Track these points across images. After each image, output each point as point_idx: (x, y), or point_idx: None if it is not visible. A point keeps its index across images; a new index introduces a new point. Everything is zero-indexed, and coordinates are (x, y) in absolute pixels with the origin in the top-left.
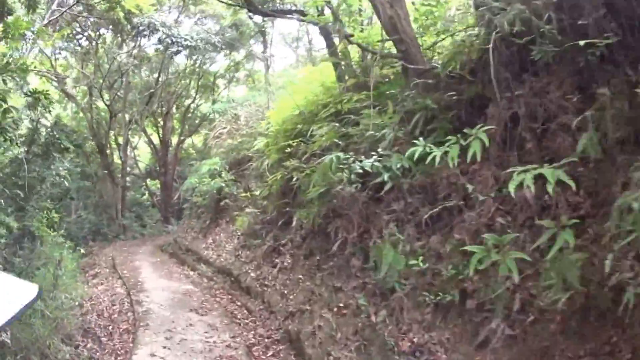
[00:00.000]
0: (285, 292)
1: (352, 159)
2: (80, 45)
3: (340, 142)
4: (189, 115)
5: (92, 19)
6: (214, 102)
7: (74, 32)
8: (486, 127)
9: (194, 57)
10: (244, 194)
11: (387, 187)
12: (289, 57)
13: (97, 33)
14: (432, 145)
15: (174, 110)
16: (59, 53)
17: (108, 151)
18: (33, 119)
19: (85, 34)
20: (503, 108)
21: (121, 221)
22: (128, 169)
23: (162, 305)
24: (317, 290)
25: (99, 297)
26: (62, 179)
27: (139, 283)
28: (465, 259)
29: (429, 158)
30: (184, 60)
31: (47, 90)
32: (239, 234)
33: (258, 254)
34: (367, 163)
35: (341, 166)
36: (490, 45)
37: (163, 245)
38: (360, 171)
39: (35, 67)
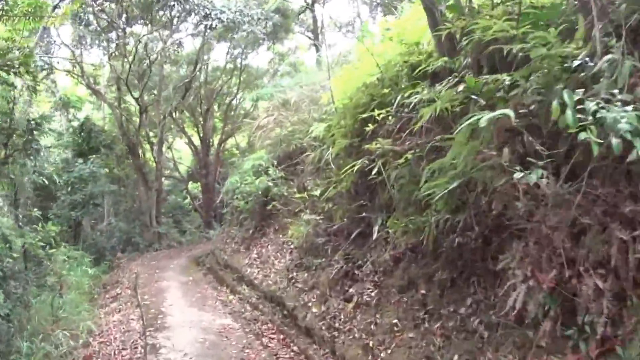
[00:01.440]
0: (371, 343)
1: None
2: (109, 39)
3: (479, 98)
4: (231, 113)
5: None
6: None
7: (100, 26)
8: None
9: (234, 51)
10: (298, 196)
11: None
12: (338, 44)
13: (124, 20)
14: None
15: (215, 108)
16: (88, 49)
17: (140, 151)
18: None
19: (115, 24)
20: None
21: (156, 228)
22: (167, 171)
23: (187, 355)
24: (436, 354)
25: (110, 331)
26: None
27: (161, 315)
28: None
29: None
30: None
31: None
32: (292, 247)
33: (322, 279)
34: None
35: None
36: None
37: (200, 256)
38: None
39: (56, 61)
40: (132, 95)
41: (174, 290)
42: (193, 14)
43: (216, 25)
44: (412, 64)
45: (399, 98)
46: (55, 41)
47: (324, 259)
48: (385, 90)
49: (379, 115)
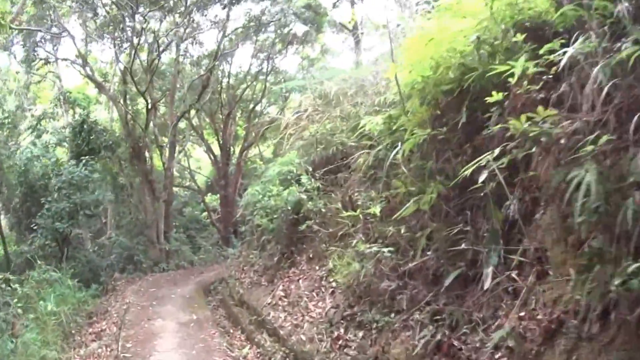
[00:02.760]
0: None
1: None
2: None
3: None
4: (255, 120)
5: None
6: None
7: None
8: None
9: (260, 54)
10: (345, 214)
11: None
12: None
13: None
14: None
15: (238, 115)
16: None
17: (147, 156)
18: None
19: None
20: None
21: (163, 245)
22: (184, 181)
23: None
24: None
25: None
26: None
27: None
28: None
29: None
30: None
31: None
32: (334, 285)
33: (396, 350)
34: None
35: None
36: None
37: (212, 282)
38: None
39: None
40: (137, 89)
41: (169, 336)
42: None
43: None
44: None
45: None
46: (61, 32)
47: (394, 315)
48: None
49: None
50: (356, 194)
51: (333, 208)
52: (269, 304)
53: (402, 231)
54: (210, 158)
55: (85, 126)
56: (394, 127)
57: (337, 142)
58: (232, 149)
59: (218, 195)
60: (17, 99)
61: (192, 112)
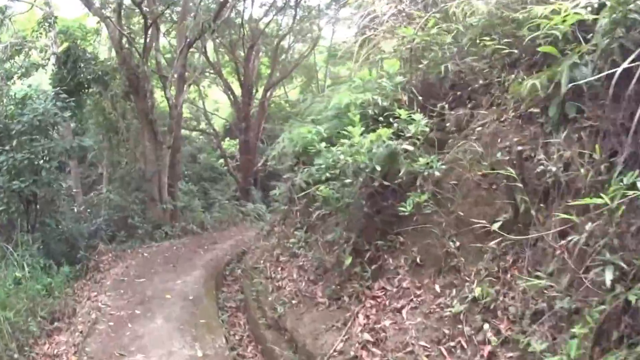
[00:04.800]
0: None
1: None
2: None
3: None
4: (282, 56)
5: None
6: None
7: None
8: None
9: None
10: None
11: None
12: None
13: None
14: None
15: (262, 47)
16: None
17: (147, 89)
18: None
19: None
20: None
21: (167, 204)
22: (202, 125)
23: None
24: None
25: None
26: None
27: None
28: None
29: None
30: None
31: None
32: (489, 336)
33: None
34: None
35: None
36: None
37: (228, 262)
38: None
39: None
40: None
41: None
42: None
43: None
44: None
45: None
46: None
47: None
48: None
49: None
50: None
51: (468, 174)
52: (339, 352)
53: None
54: (229, 98)
55: (70, 56)
56: None
57: (448, 58)
58: (254, 88)
59: (237, 140)
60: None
61: (209, 45)
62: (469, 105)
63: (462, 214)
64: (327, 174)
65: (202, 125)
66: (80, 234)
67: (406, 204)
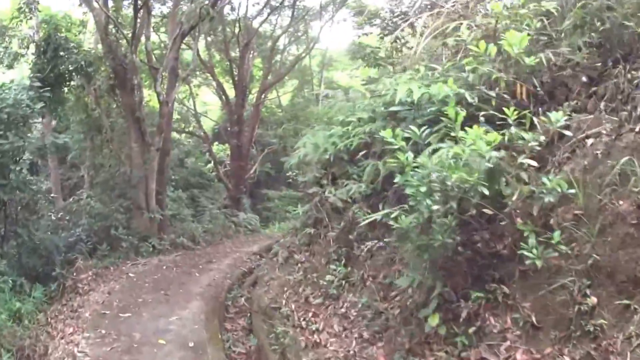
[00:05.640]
0: None
1: None
2: None
3: None
4: (277, 57)
5: None
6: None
7: None
8: None
9: None
10: None
11: None
12: None
13: None
14: None
15: (256, 48)
16: None
17: (135, 82)
18: None
19: None
20: None
21: (154, 213)
22: (190, 127)
23: None
24: None
25: None
26: None
27: None
28: None
29: None
30: None
31: None
32: None
33: None
34: None
35: None
36: None
37: (231, 287)
38: None
39: None
40: None
41: None
42: None
43: None
44: None
45: None
46: None
47: None
48: None
49: None
50: None
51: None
52: None
53: None
54: (221, 99)
55: (50, 43)
56: None
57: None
58: (248, 88)
59: (227, 144)
60: None
61: (200, 44)
62: (568, 108)
63: (598, 257)
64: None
65: (191, 128)
66: (57, 246)
67: (528, 245)
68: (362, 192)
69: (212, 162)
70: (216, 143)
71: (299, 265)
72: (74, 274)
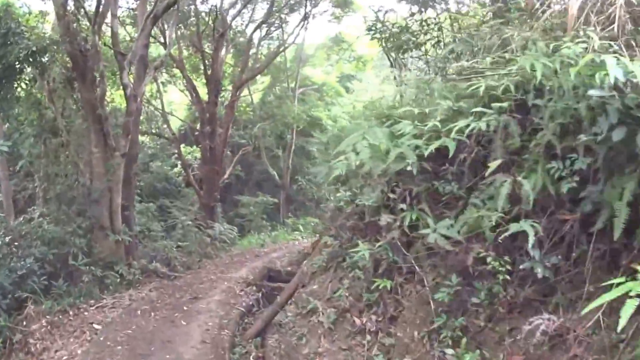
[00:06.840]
0: None
1: None
2: None
3: None
4: (252, 50)
5: None
6: None
7: None
8: None
9: None
10: None
11: None
12: None
13: None
14: None
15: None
16: None
17: (96, 76)
18: None
19: None
20: None
21: (120, 234)
22: (154, 129)
23: None
24: None
25: None
26: None
27: None
28: None
29: None
30: None
31: None
32: None
33: None
34: None
35: None
36: None
37: (233, 340)
38: None
39: None
40: None
41: None
42: None
43: None
44: None
45: None
46: None
47: None
48: None
49: None
50: None
51: None
52: None
53: None
54: (191, 95)
55: (1, 28)
56: None
57: None
58: (220, 84)
59: (196, 146)
60: None
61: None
62: None
63: None
64: None
65: (155, 129)
66: (1, 286)
67: None
68: (490, 227)
69: (181, 165)
70: (183, 145)
71: (369, 336)
72: (24, 322)
